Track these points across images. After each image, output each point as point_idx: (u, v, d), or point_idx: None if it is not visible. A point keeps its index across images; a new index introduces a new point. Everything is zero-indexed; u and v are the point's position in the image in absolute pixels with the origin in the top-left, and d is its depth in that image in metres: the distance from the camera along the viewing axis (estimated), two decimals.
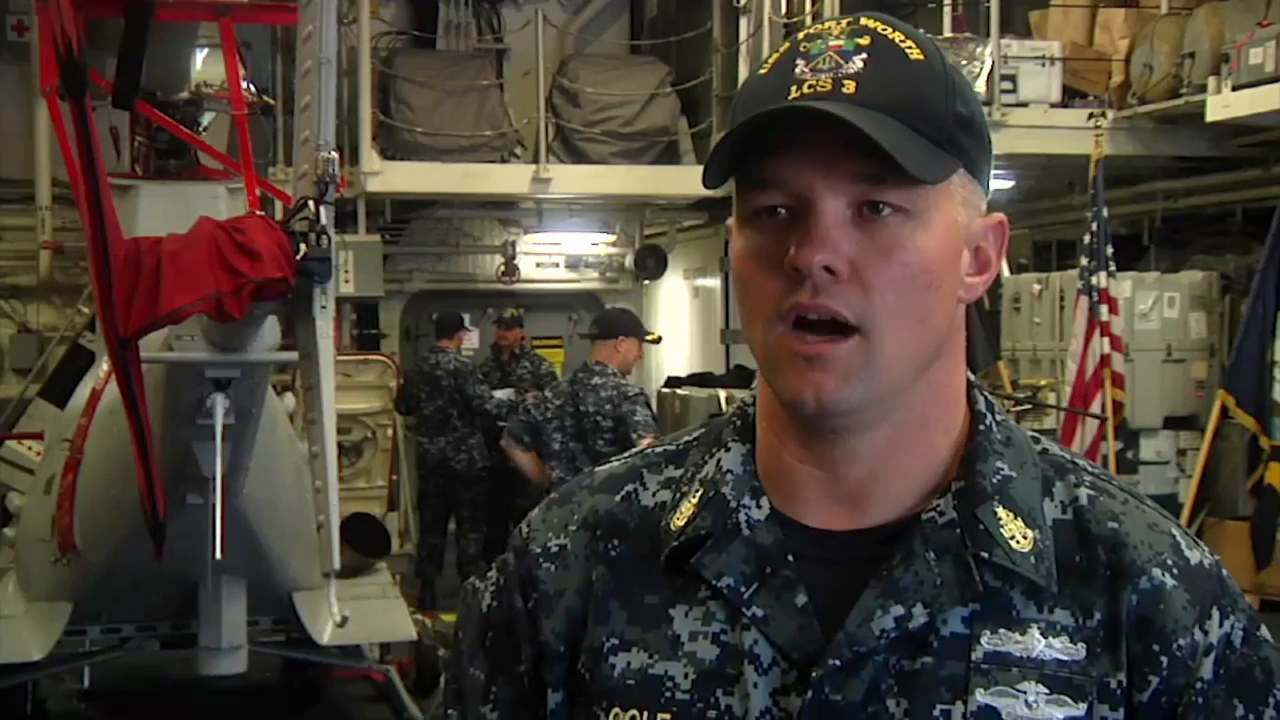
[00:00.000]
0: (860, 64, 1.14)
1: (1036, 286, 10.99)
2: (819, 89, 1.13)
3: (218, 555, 4.75)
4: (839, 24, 1.18)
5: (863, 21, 1.18)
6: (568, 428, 6.85)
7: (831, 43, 1.15)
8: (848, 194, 1.13)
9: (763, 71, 1.18)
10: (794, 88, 1.14)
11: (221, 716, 7.82)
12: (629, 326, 7.13)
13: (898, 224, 1.14)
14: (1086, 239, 9.60)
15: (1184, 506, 9.80)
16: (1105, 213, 9.64)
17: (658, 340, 7.16)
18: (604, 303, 14.74)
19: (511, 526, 1.47)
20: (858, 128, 1.09)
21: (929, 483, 1.21)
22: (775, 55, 1.19)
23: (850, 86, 1.13)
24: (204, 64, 6.69)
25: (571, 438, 6.84)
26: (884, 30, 1.16)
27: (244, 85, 6.23)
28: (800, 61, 1.15)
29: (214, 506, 4.75)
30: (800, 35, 1.19)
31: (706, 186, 1.17)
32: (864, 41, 1.15)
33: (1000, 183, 12.07)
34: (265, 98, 8.86)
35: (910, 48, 1.16)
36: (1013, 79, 10.72)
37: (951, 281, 1.18)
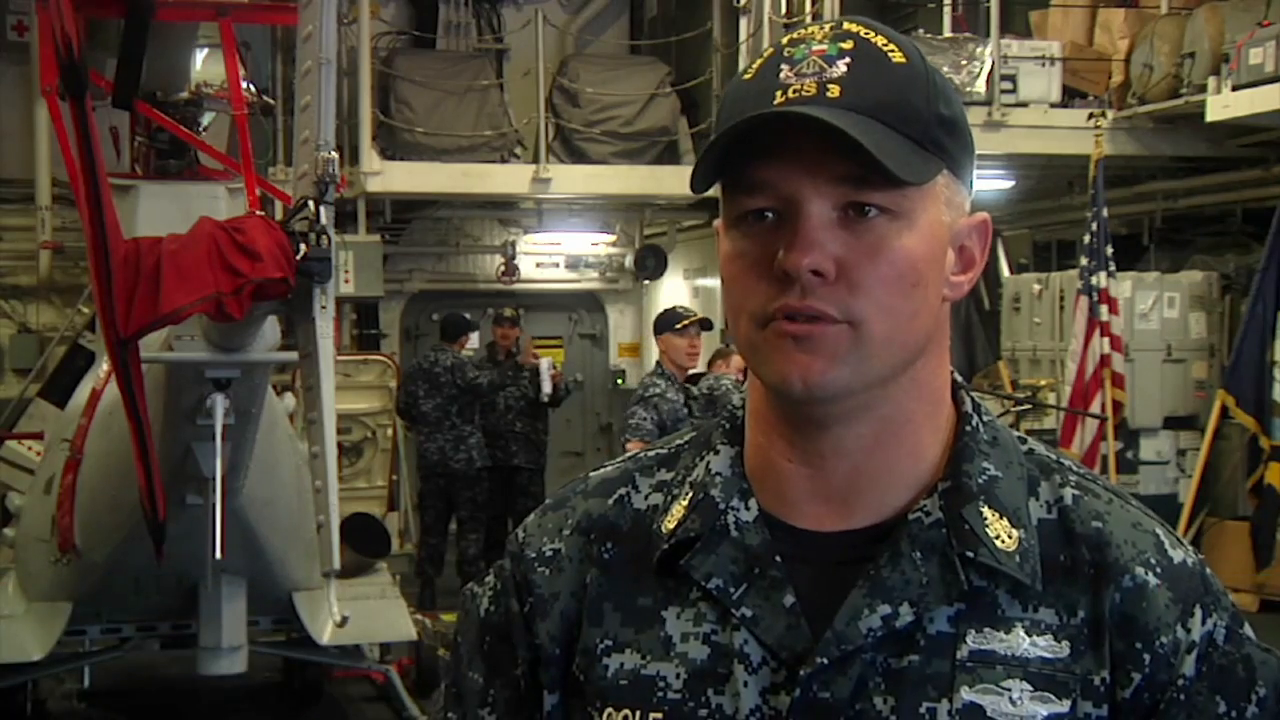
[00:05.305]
0: (844, 68, 1.16)
1: (1036, 286, 10.98)
2: (804, 93, 1.15)
3: (218, 555, 4.76)
4: (822, 29, 1.20)
5: (845, 26, 1.20)
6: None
7: (815, 47, 1.17)
8: (833, 196, 1.15)
9: (747, 76, 1.20)
10: (779, 92, 1.16)
11: (222, 716, 7.82)
12: (659, 325, 7.31)
13: (884, 225, 1.15)
14: (1086, 239, 9.62)
15: (1184, 506, 9.81)
16: (1105, 213, 9.65)
17: (697, 321, 7.13)
18: (604, 303, 14.75)
19: (512, 526, 1.48)
20: (842, 130, 1.10)
21: (915, 482, 1.22)
22: (759, 60, 1.20)
23: (834, 90, 1.14)
24: (204, 64, 6.70)
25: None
26: (866, 34, 1.18)
27: (244, 85, 6.22)
28: (784, 66, 1.17)
29: (214, 506, 4.76)
30: (784, 40, 1.21)
31: (694, 191, 1.19)
32: (847, 45, 1.17)
33: (1000, 183, 12.07)
34: (265, 98, 8.86)
35: (893, 51, 1.18)
36: (1013, 79, 10.71)
37: (937, 280, 1.20)
